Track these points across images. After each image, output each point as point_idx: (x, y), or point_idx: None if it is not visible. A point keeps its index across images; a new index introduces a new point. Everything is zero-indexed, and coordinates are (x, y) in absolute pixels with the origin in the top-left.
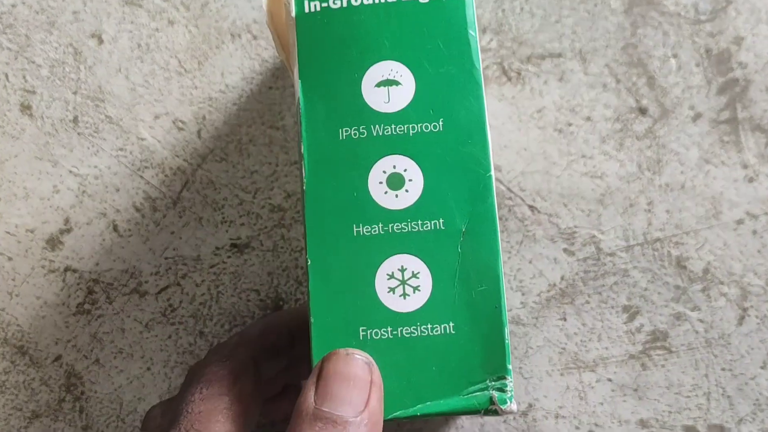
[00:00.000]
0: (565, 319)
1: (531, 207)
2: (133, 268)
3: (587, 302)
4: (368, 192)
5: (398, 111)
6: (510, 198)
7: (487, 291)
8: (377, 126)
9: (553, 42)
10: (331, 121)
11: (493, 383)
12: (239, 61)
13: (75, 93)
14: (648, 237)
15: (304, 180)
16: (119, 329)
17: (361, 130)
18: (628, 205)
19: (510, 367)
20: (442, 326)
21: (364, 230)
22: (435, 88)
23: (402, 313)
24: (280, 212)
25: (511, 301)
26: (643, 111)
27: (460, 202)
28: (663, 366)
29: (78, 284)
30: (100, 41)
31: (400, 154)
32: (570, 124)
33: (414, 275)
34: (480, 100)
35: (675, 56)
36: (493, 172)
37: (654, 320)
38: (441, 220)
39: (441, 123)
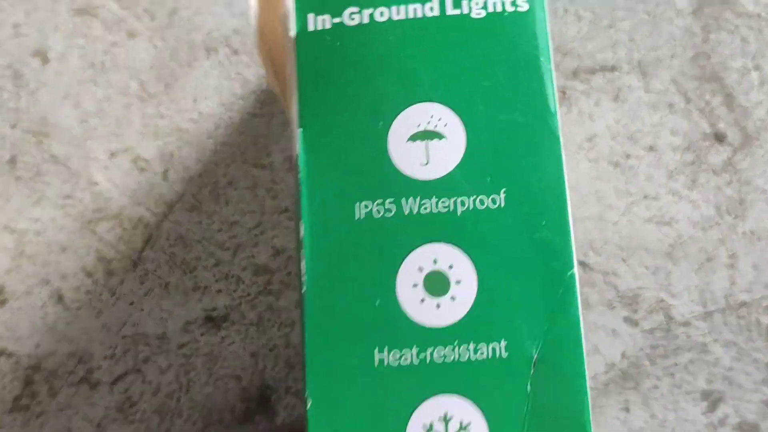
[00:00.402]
0: (628, 410)
1: (582, 263)
2: (82, 350)
3: (656, 387)
4: (396, 300)
5: (441, 177)
6: None
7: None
8: (410, 200)
9: (605, 52)
10: (344, 191)
11: None
12: (216, 82)
13: (13, 127)
14: (731, 300)
15: (304, 281)
16: (65, 429)
17: (387, 206)
18: (704, 259)
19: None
20: None
21: (391, 358)
22: (494, 144)
23: None
24: (267, 275)
25: None
26: (720, 138)
27: (531, 316)
28: None
29: (14, 372)
30: (45, 60)
31: (443, 242)
32: (629, 156)
33: (462, 428)
34: (558, 161)
35: (757, 68)
36: (576, 269)
37: (741, 409)
38: (503, 344)
39: (502, 196)
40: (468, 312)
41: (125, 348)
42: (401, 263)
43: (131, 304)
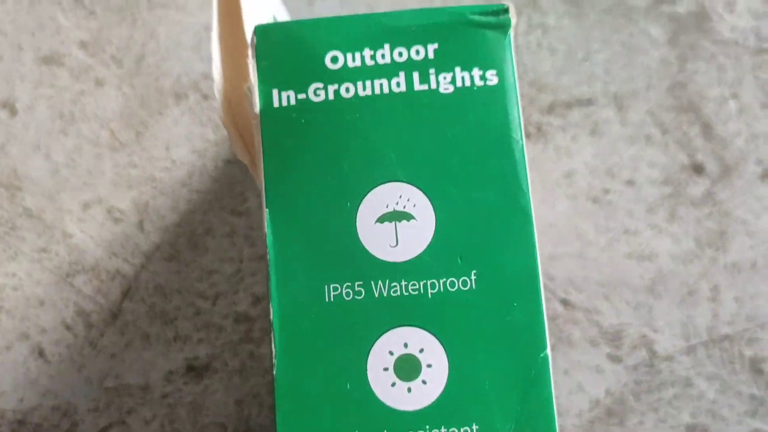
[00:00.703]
0: None
1: (563, 301)
2: (66, 403)
3: (641, 422)
4: (368, 383)
5: (411, 259)
6: None
7: None
8: (380, 282)
9: (580, 86)
10: (313, 273)
11: None
12: (187, 129)
13: None
14: (714, 334)
15: (274, 363)
16: None
17: (356, 289)
18: (686, 293)
19: None
20: None
21: None
22: (464, 224)
23: None
24: (248, 322)
25: None
26: (698, 170)
27: (503, 399)
28: None
29: (0, 427)
30: (13, 112)
31: (413, 326)
32: (607, 191)
33: None
34: (530, 240)
35: (734, 96)
36: (549, 351)
37: None
38: (474, 427)
39: (473, 278)
40: (439, 396)
41: (109, 400)
42: (371, 347)
43: (113, 356)
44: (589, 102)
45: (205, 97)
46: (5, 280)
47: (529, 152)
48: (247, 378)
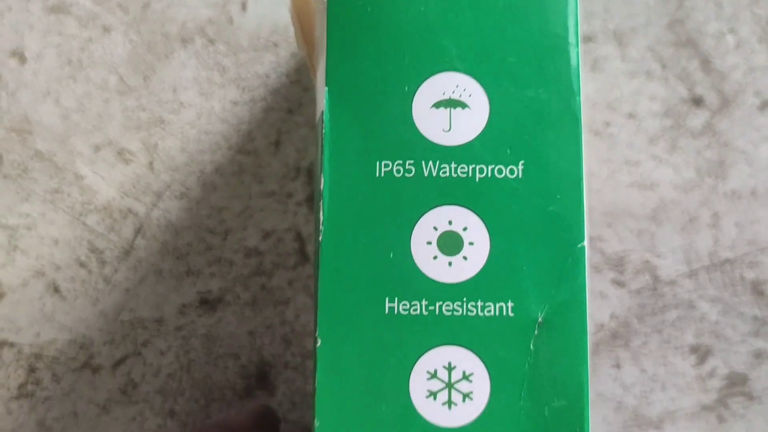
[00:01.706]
0: (619, 367)
1: None
2: (82, 337)
3: (645, 344)
4: (410, 254)
5: (462, 144)
6: None
7: (567, 409)
8: (431, 162)
9: (580, 23)
10: (366, 149)
11: None
12: (194, 73)
13: None
14: (715, 258)
15: (321, 229)
16: (71, 413)
17: (407, 167)
18: (687, 220)
19: None
20: None
21: (401, 308)
22: (516, 118)
23: (445, 428)
24: (258, 256)
25: None
26: (697, 102)
27: (539, 282)
28: (744, 416)
29: (17, 361)
30: (23, 60)
31: (459, 206)
32: (609, 124)
33: (465, 377)
34: (577, 141)
35: (732, 31)
36: (587, 242)
37: (729, 361)
38: (510, 304)
39: (520, 168)
40: (479, 272)
41: (124, 333)
42: (417, 221)
43: (126, 290)
44: (589, 39)
45: (212, 41)
46: (19, 220)
47: None
48: (259, 310)
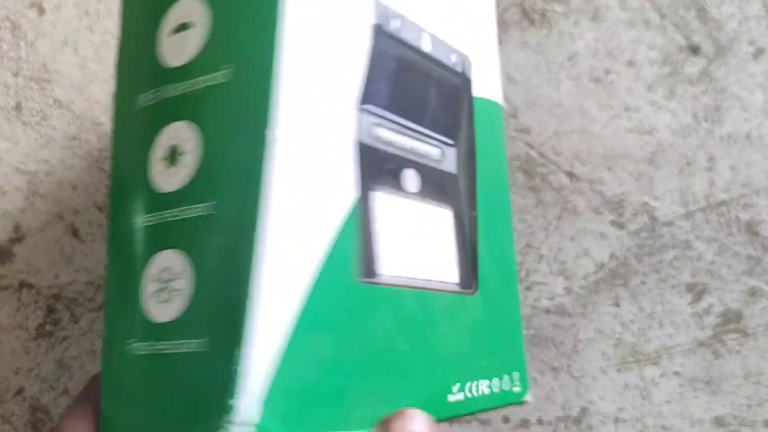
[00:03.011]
0: (618, 305)
1: (569, 174)
2: (100, 278)
3: (643, 282)
4: (147, 171)
5: (187, 63)
6: (543, 165)
7: (235, 299)
8: (169, 86)
9: None
10: (133, 84)
11: (225, 423)
12: None
13: (16, 75)
14: (711, 200)
15: (112, 160)
16: (89, 352)
17: (154, 95)
18: (684, 163)
19: (235, 402)
20: (193, 341)
21: (143, 220)
22: (231, 26)
23: (159, 323)
24: None
25: (552, 286)
26: (694, 50)
27: (237, 178)
28: (738, 352)
29: (36, 302)
30: (41, 11)
31: (182, 120)
32: (609, 72)
33: (178, 275)
34: (271, 33)
35: None
36: (278, 131)
37: (724, 299)
38: (212, 203)
39: (231, 71)
40: (192, 178)
41: None
42: (154, 140)
43: None
44: None
45: None
46: (38, 166)
47: (533, 37)
48: None
